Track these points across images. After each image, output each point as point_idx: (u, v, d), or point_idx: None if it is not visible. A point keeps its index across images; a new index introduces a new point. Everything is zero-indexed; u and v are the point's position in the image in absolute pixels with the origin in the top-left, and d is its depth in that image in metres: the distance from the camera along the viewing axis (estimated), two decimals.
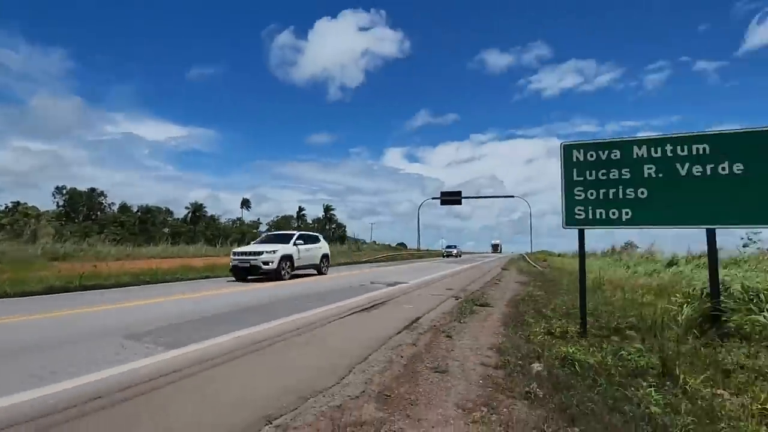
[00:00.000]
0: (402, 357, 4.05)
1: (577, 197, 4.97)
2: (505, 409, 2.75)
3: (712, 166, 4.46)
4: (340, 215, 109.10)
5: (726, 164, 4.41)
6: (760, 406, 2.66)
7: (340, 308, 7.11)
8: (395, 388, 3.16)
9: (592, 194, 4.91)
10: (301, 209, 77.53)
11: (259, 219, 76.07)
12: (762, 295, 4.85)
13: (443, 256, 44.75)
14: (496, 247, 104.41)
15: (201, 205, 68.08)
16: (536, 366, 3.60)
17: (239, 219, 72.68)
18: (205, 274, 14.02)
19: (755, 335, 4.13)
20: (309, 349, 4.43)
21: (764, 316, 4.25)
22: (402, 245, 72.33)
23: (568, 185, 5.03)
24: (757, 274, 7.41)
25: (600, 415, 2.56)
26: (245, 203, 78.04)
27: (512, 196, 57.99)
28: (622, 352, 3.80)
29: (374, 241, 71.02)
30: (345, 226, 78.52)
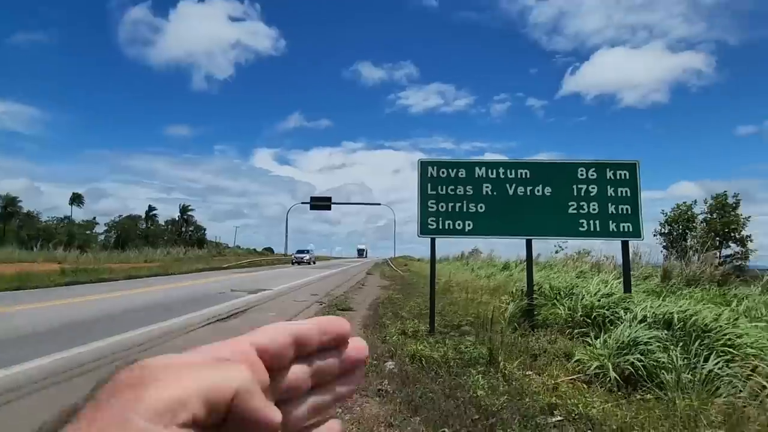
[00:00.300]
0: None
1: (430, 209, 5.53)
2: (358, 408, 2.91)
3: (531, 188, 5.47)
4: (200, 217, 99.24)
5: (540, 187, 5.45)
6: (554, 382, 3.36)
7: (190, 320, 6.52)
8: None
9: (442, 207, 5.53)
10: (151, 208, 68.20)
11: (95, 218, 64.23)
12: (562, 292, 6.09)
13: (292, 263, 34.44)
14: (362, 252, 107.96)
15: (14, 198, 54.69)
16: (389, 364, 3.90)
17: (68, 218, 60.43)
18: (15, 284, 11.32)
19: (555, 324, 5.17)
20: None
21: (562, 309, 5.35)
22: (269, 250, 69.61)
23: (423, 198, 5.57)
24: (561, 276, 9.25)
25: (438, 403, 2.91)
26: (77, 199, 64.88)
27: (379, 204, 61.27)
28: (461, 346, 4.39)
29: (238, 246, 66.82)
30: (205, 229, 71.85)
